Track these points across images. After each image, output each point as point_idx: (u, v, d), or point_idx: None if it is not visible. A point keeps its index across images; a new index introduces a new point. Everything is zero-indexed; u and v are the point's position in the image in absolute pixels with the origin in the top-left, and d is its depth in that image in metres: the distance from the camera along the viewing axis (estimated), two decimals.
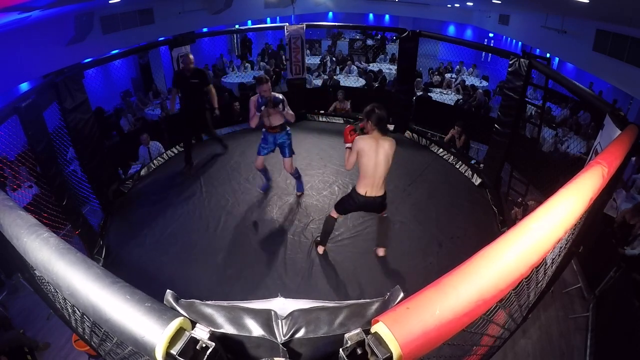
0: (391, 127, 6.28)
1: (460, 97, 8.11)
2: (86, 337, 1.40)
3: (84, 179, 4.05)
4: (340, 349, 0.75)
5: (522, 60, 4.03)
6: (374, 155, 2.85)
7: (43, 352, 3.13)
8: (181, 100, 4.71)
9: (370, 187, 2.94)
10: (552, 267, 1.59)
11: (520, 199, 4.23)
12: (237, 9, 10.42)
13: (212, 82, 4.95)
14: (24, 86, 6.07)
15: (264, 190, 4.45)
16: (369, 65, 10.48)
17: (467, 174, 5.09)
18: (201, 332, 0.79)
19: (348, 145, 2.99)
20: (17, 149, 3.30)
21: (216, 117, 4.90)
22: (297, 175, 4.29)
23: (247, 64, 10.12)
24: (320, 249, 3.57)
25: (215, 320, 0.92)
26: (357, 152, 2.86)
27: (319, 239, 3.58)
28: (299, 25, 6.01)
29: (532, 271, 1.09)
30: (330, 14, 15.08)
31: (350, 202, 3.12)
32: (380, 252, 3.47)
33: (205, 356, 0.73)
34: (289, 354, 0.92)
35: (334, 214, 3.32)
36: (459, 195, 4.59)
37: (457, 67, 10.21)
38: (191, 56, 4.57)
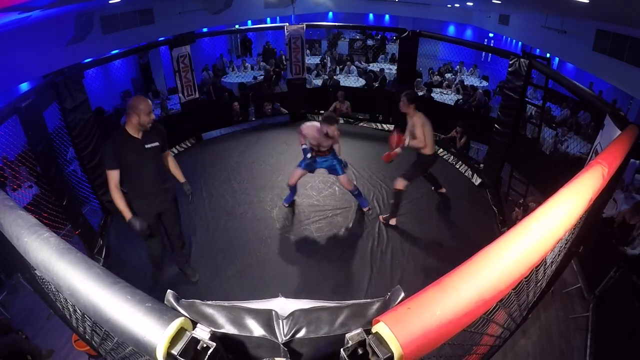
0: (391, 127, 6.30)
1: (460, 97, 8.11)
2: (87, 337, 1.40)
3: (84, 179, 4.05)
4: (341, 349, 0.75)
5: (522, 60, 4.03)
6: (430, 125, 3.69)
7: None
8: (131, 185, 2.70)
9: (434, 145, 3.80)
10: (552, 267, 1.59)
11: (522, 199, 4.22)
12: (237, 9, 10.42)
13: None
14: (24, 86, 6.06)
15: (288, 203, 4.22)
16: (369, 65, 10.48)
17: (467, 174, 5.09)
18: (202, 332, 0.79)
19: (397, 150, 3.76)
20: (17, 149, 3.31)
21: (191, 202, 3.27)
22: (356, 192, 4.09)
23: (247, 65, 10.13)
24: (393, 221, 3.99)
25: (216, 320, 0.92)
26: (425, 128, 3.62)
27: (387, 216, 4.01)
28: (299, 25, 6.01)
29: (532, 271, 1.10)
30: (330, 14, 15.08)
31: (424, 167, 3.93)
32: (443, 190, 4.43)
33: (206, 356, 0.73)
34: (290, 354, 0.92)
35: (401, 186, 3.83)
36: (459, 195, 4.59)
37: (457, 67, 10.21)
38: (149, 101, 2.55)
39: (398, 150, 3.74)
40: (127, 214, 2.60)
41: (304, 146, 3.71)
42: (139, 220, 2.62)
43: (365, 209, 4.15)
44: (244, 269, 3.44)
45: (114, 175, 2.55)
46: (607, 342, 3.01)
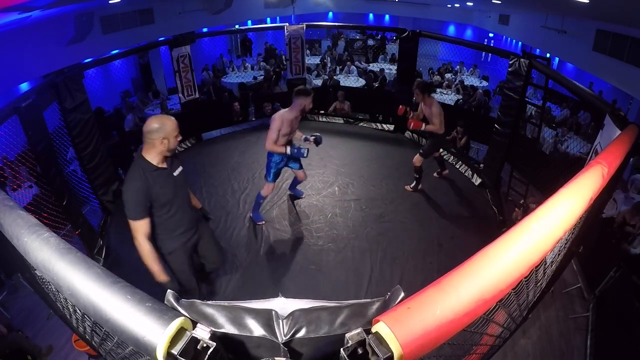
0: (391, 127, 6.30)
1: (460, 97, 8.11)
2: (87, 337, 1.40)
3: (84, 179, 4.05)
4: (341, 349, 0.75)
5: (522, 60, 4.03)
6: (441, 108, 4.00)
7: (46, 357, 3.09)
8: (165, 225, 2.15)
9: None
10: (552, 266, 1.59)
11: (522, 200, 4.22)
12: (237, 9, 10.43)
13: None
14: (24, 86, 6.06)
15: (260, 220, 3.95)
16: (369, 66, 10.49)
17: (467, 174, 5.09)
18: (202, 332, 0.79)
19: (421, 127, 4.06)
20: (17, 149, 3.31)
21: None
22: (293, 185, 4.30)
23: (247, 65, 10.14)
24: (419, 187, 4.46)
25: (216, 320, 0.92)
26: (441, 115, 3.90)
27: (412, 185, 4.46)
28: (299, 25, 6.01)
29: (532, 271, 1.10)
30: (330, 14, 15.09)
31: (437, 145, 4.29)
32: (447, 171, 4.79)
33: (206, 356, 0.74)
34: (290, 354, 0.92)
35: (418, 163, 4.23)
36: (459, 195, 4.59)
37: (457, 67, 10.22)
38: (174, 119, 2.01)
39: (424, 127, 4.04)
40: (163, 276, 2.10)
41: (288, 148, 3.42)
42: (172, 281, 2.20)
43: (301, 196, 4.40)
44: (244, 268, 3.44)
45: (143, 226, 1.95)
46: (607, 342, 3.01)
